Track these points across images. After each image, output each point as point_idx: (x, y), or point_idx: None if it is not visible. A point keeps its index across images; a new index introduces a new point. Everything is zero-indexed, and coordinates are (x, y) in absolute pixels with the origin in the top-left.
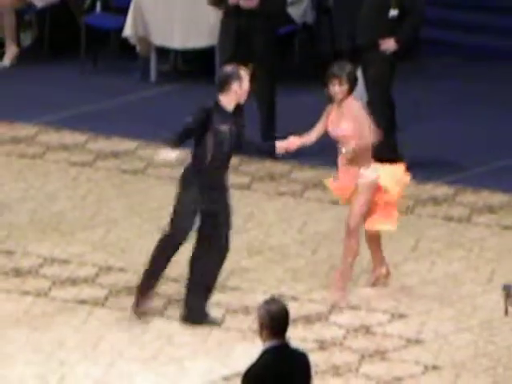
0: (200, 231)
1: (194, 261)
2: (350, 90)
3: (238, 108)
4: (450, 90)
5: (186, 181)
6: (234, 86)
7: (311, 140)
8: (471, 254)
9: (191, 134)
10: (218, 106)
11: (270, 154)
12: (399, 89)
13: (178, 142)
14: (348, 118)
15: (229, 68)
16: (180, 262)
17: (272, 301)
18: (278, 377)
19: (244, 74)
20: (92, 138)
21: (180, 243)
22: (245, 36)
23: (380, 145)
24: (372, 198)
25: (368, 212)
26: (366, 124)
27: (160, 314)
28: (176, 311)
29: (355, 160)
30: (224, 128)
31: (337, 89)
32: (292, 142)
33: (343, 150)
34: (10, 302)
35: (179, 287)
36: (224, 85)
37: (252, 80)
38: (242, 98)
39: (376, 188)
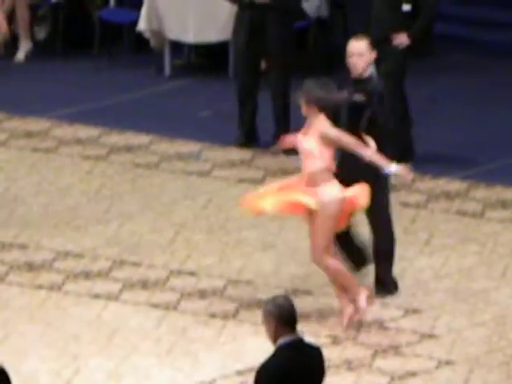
0: None
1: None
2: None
3: None
4: (463, 85)
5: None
6: None
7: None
8: (484, 249)
9: None
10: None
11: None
12: (412, 84)
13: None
14: (314, 135)
15: None
16: (192, 256)
17: (278, 296)
18: (294, 372)
19: (349, 44)
20: (106, 133)
21: None
22: (259, 29)
23: (389, 141)
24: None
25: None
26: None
27: (174, 308)
28: (189, 305)
29: (315, 180)
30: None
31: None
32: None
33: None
34: (23, 296)
35: (194, 281)
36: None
37: (266, 73)
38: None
39: (339, 205)
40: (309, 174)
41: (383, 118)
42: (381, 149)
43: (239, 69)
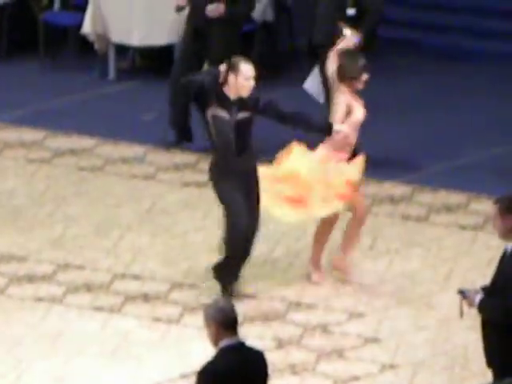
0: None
1: None
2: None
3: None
4: (407, 88)
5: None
6: (231, 77)
7: None
8: (429, 253)
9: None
10: (219, 90)
11: (323, 131)
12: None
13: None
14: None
15: (233, 59)
16: (137, 260)
17: (219, 300)
18: (234, 375)
19: (243, 67)
20: (50, 136)
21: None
22: (203, 35)
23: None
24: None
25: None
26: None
27: (118, 311)
28: (133, 308)
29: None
30: (223, 115)
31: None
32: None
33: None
34: None
35: (138, 285)
36: (224, 76)
37: None
38: (242, 91)
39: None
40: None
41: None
42: None
43: (178, 69)
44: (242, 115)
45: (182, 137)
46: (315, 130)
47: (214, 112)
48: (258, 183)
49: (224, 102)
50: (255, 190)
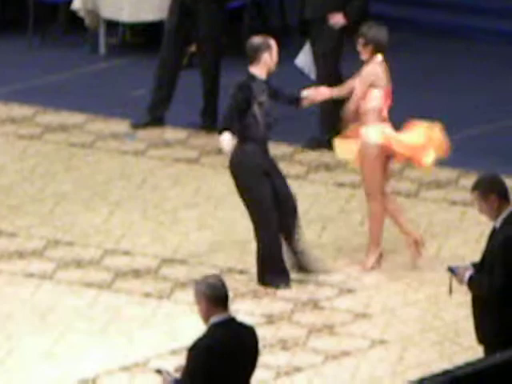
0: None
1: None
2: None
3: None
4: (399, 63)
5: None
6: (265, 56)
7: (341, 93)
8: (418, 228)
9: (239, 115)
10: (253, 79)
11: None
12: (348, 64)
13: (229, 128)
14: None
15: (257, 39)
16: (127, 236)
17: (209, 276)
18: (225, 351)
19: (273, 43)
20: (40, 112)
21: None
22: (190, 13)
23: (327, 123)
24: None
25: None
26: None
27: (108, 287)
28: (124, 284)
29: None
30: (264, 98)
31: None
32: (321, 93)
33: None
34: None
35: (128, 261)
36: (254, 56)
37: (196, 55)
38: (273, 68)
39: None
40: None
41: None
42: None
43: (165, 49)
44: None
45: (153, 121)
46: (288, 101)
47: (258, 99)
48: None
49: (261, 85)
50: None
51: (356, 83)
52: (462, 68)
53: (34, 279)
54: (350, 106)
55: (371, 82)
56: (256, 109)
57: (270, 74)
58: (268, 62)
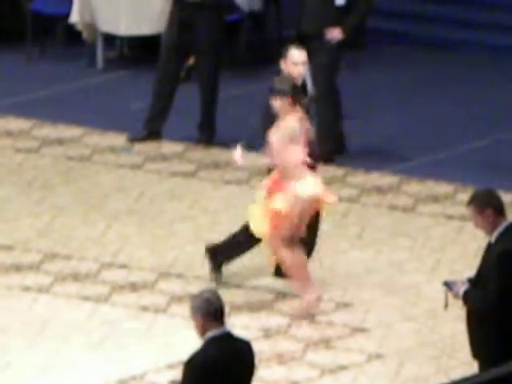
0: None
1: None
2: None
3: None
4: (395, 79)
5: None
6: (283, 63)
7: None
8: (416, 243)
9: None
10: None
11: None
12: (345, 78)
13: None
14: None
15: None
16: (124, 249)
17: (205, 291)
18: (221, 365)
19: (291, 51)
20: (38, 125)
21: None
22: (188, 25)
23: (325, 136)
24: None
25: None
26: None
27: (105, 300)
28: (121, 297)
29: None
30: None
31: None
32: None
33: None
34: None
35: (125, 274)
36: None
37: (194, 69)
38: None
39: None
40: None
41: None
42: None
43: (163, 62)
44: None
45: (150, 135)
46: None
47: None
48: None
49: (298, 88)
50: None
51: (273, 138)
52: (460, 81)
53: (30, 293)
54: (271, 162)
55: (290, 138)
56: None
57: None
58: (285, 69)
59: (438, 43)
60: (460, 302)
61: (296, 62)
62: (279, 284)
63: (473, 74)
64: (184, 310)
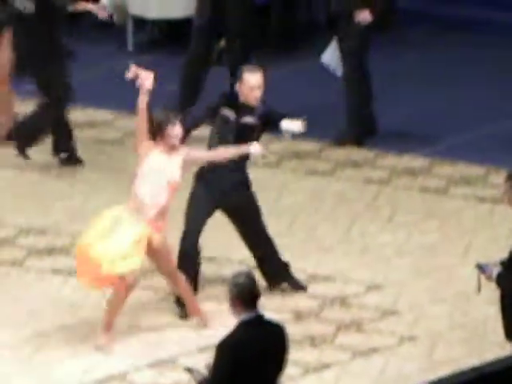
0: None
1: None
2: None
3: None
4: (427, 59)
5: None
6: (238, 85)
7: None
8: (447, 225)
9: None
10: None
11: None
12: (374, 60)
13: None
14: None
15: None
16: None
17: (240, 273)
18: (252, 348)
19: (247, 76)
20: (69, 109)
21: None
22: (219, 8)
23: (355, 118)
24: None
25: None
26: None
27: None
28: (154, 282)
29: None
30: (229, 114)
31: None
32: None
33: None
34: None
35: None
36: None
37: (225, 52)
38: (248, 100)
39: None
40: (162, 207)
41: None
42: None
43: (194, 45)
44: (249, 120)
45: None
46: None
47: (221, 112)
48: (248, 210)
49: (234, 102)
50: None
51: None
52: (488, 62)
53: (60, 275)
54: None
55: None
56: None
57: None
58: (240, 91)
59: (465, 24)
60: (492, 285)
61: (252, 86)
62: (311, 267)
63: (502, 53)
64: (216, 293)
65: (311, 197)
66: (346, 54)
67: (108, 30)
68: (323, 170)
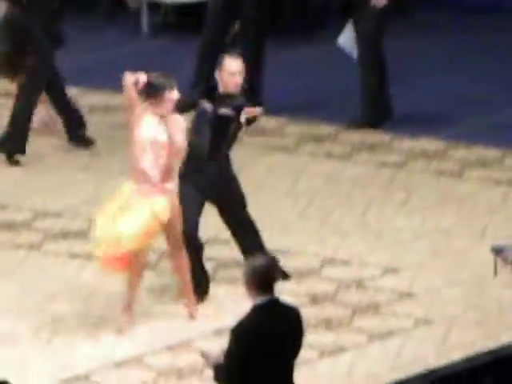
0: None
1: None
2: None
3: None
4: (442, 43)
5: None
6: (217, 73)
7: None
8: (463, 208)
9: None
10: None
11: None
12: (392, 43)
13: None
14: None
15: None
16: None
17: (256, 257)
18: (267, 332)
19: (227, 61)
20: (82, 92)
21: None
22: None
23: (370, 102)
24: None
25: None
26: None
27: (152, 268)
28: (167, 264)
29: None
30: (206, 105)
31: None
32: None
33: None
34: (2, 256)
35: None
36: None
37: (240, 35)
38: (228, 87)
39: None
40: (163, 166)
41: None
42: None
43: (209, 28)
44: (225, 111)
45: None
46: None
47: (200, 104)
48: (231, 193)
49: (212, 94)
50: (227, 201)
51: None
52: (505, 46)
53: (78, 260)
54: None
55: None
56: None
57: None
58: (219, 79)
59: (483, 8)
60: (509, 267)
61: (233, 72)
62: (327, 250)
63: None
64: (230, 276)
65: (327, 180)
66: (361, 37)
67: (123, 13)
68: (339, 153)
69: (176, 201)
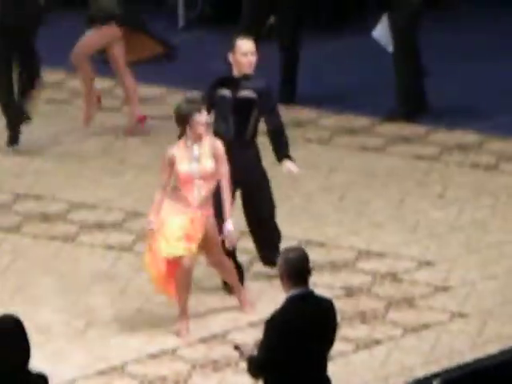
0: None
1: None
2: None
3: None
4: (479, 35)
5: None
6: (231, 56)
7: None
8: (498, 201)
9: None
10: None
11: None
12: (428, 35)
13: None
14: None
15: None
16: None
17: (291, 249)
18: (301, 324)
19: (240, 42)
20: (117, 85)
21: None
22: None
23: (405, 94)
24: None
25: None
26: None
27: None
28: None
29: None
30: (224, 93)
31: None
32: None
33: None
34: (37, 247)
35: None
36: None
37: (276, 27)
38: (243, 68)
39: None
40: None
41: (277, 117)
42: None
43: (245, 20)
44: (246, 93)
45: None
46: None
47: (217, 93)
48: (255, 176)
49: (228, 80)
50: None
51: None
52: None
53: (113, 251)
54: None
55: None
56: None
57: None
58: (233, 62)
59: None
60: None
61: (245, 52)
62: (362, 243)
63: None
64: (266, 269)
65: (362, 173)
66: (396, 30)
67: (160, 6)
68: (374, 145)
69: (214, 222)
